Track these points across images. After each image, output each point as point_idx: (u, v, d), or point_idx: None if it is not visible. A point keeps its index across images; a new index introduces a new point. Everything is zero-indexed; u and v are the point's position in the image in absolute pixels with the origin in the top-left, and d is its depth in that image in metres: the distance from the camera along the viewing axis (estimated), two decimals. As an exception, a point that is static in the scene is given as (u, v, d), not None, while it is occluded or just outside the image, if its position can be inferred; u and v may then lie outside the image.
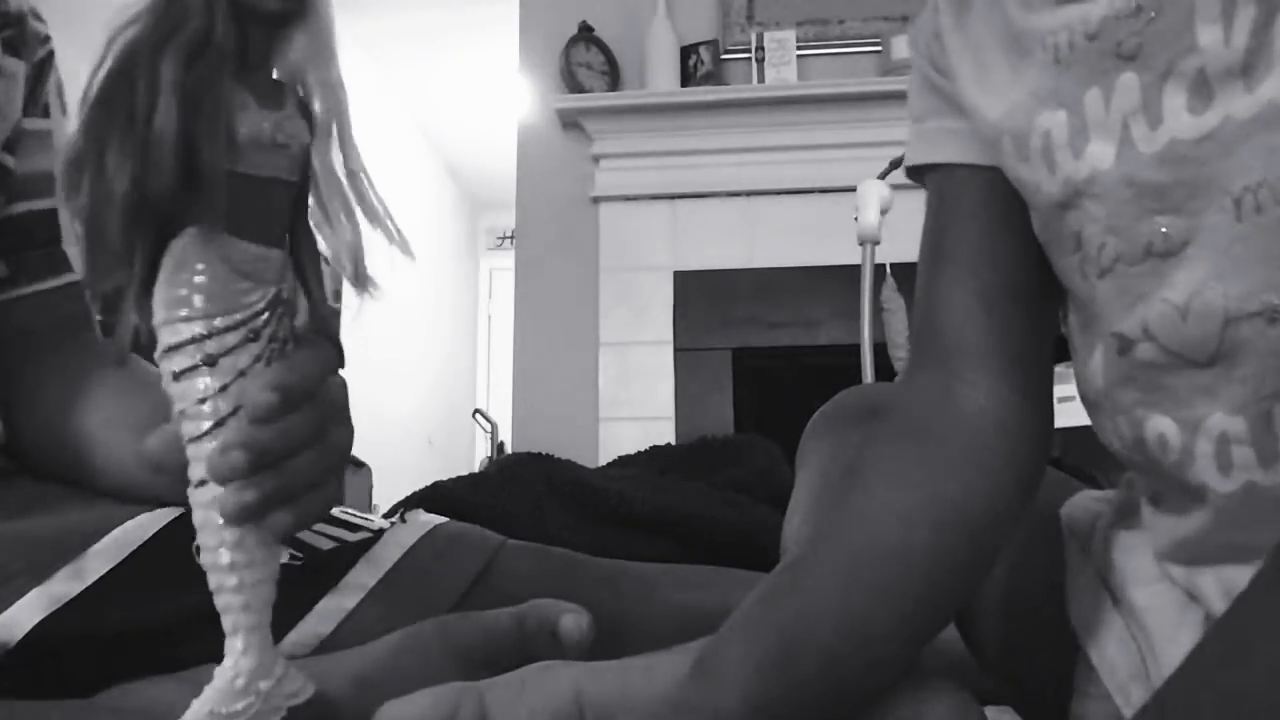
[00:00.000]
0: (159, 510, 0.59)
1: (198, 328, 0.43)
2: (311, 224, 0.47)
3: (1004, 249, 0.51)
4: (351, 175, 0.45)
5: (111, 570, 0.54)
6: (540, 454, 1.66)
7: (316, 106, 0.45)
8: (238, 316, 0.44)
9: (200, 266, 0.43)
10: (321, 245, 0.47)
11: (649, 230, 2.64)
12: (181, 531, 0.57)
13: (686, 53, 2.65)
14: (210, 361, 0.44)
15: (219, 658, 0.44)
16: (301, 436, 0.45)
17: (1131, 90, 0.41)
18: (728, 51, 2.71)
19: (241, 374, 0.44)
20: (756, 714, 0.43)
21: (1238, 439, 0.40)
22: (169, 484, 0.48)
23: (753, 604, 0.47)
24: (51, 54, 0.69)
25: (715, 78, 2.63)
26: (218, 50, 0.41)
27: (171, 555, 0.55)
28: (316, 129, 0.45)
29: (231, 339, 0.44)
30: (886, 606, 0.45)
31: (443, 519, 0.73)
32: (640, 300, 2.62)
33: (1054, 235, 0.47)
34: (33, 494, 0.61)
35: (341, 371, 0.49)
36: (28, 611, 0.51)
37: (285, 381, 0.44)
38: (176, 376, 0.44)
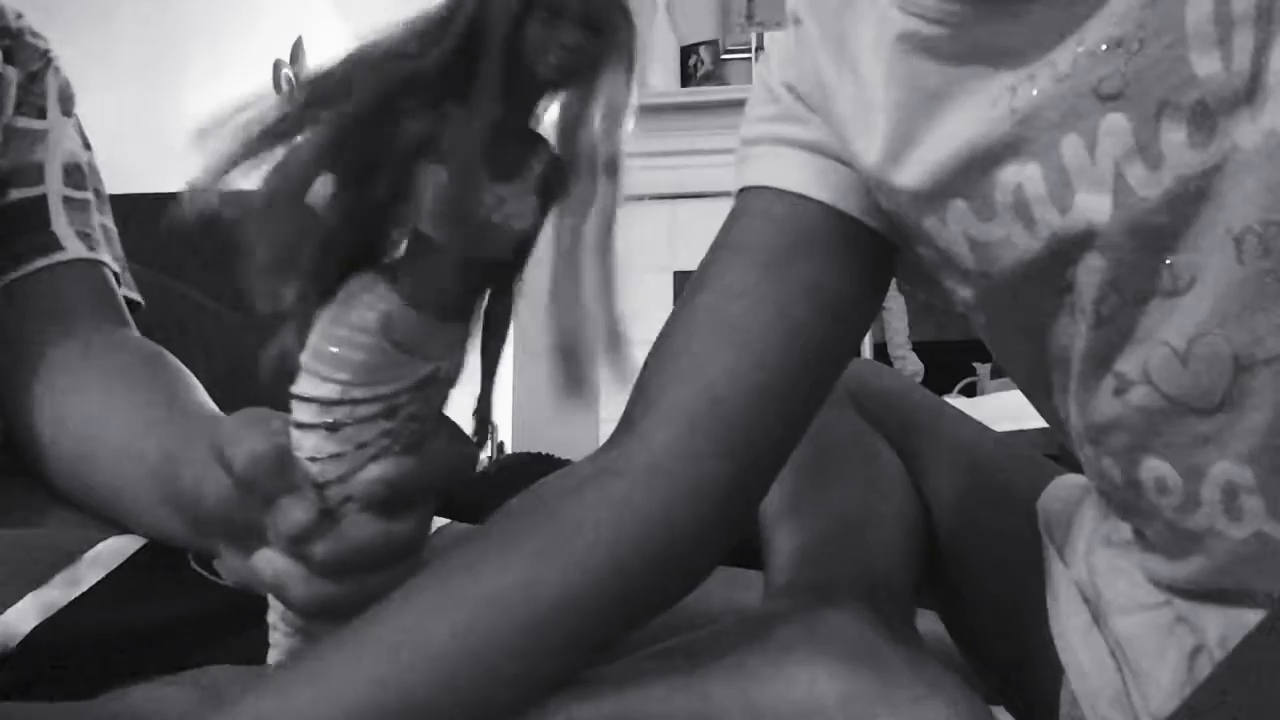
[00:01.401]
0: None
1: (332, 391, 0.39)
2: (513, 309, 0.42)
3: (769, 287, 0.46)
4: (605, 271, 0.40)
5: (106, 577, 0.54)
6: (540, 454, 1.66)
7: (586, 190, 0.39)
8: (380, 390, 0.40)
9: (359, 334, 0.39)
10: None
11: (649, 230, 2.64)
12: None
13: (686, 53, 2.65)
14: (333, 428, 0.40)
15: (214, 661, 0.44)
16: (399, 543, 0.41)
17: (1121, 132, 0.37)
18: (728, 51, 2.71)
19: (362, 446, 0.40)
20: None
21: (1247, 489, 0.39)
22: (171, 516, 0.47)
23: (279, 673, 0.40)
24: (49, 64, 0.70)
25: (715, 78, 2.63)
26: (478, 115, 0.36)
27: (166, 562, 0.55)
28: (579, 213, 0.39)
29: (364, 411, 0.40)
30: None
31: (444, 520, 0.73)
32: (640, 300, 2.60)
33: (1020, 290, 0.43)
34: (29, 497, 0.61)
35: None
36: (23, 617, 0.51)
37: (401, 479, 0.40)
38: (299, 425, 0.40)
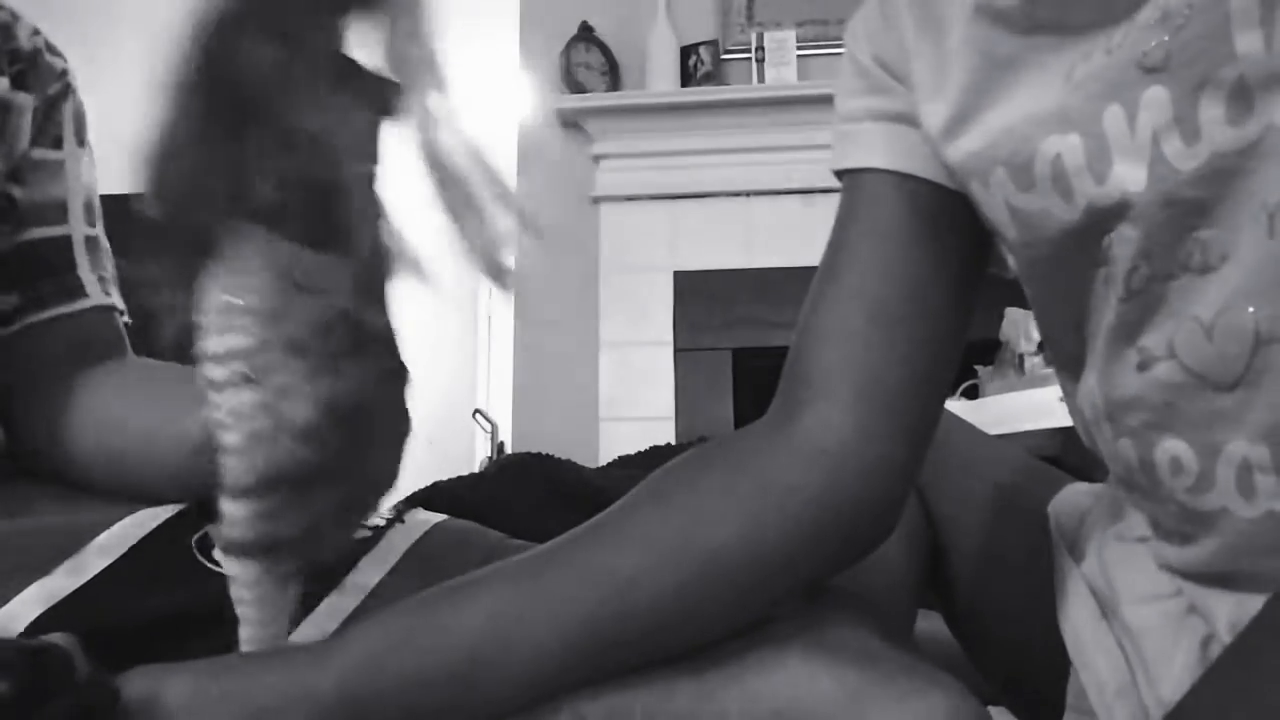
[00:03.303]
0: (156, 507, 0.59)
1: (241, 341, 0.40)
2: (389, 221, 0.43)
3: (906, 271, 0.49)
4: (471, 149, 0.40)
5: (110, 566, 0.54)
6: (540, 454, 1.66)
7: (418, 99, 0.40)
8: (288, 330, 0.40)
9: (251, 277, 0.40)
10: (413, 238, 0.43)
11: (649, 230, 2.64)
12: (179, 526, 0.57)
13: (686, 53, 2.65)
14: (251, 379, 0.40)
15: (218, 651, 0.44)
16: (340, 464, 0.42)
17: (1161, 104, 0.38)
18: (728, 51, 2.70)
19: (285, 392, 0.40)
20: (346, 703, 0.42)
21: (1261, 467, 0.39)
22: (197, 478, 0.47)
23: (429, 592, 0.45)
24: (68, 86, 0.69)
25: (715, 78, 2.63)
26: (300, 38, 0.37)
27: (170, 551, 0.55)
28: (425, 123, 0.40)
29: (278, 356, 0.40)
30: (537, 657, 0.43)
31: (443, 517, 0.73)
32: (640, 300, 2.62)
33: (1060, 261, 0.44)
34: (32, 493, 0.61)
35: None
36: (27, 605, 0.51)
37: (333, 397, 0.41)
38: (214, 384, 0.41)
